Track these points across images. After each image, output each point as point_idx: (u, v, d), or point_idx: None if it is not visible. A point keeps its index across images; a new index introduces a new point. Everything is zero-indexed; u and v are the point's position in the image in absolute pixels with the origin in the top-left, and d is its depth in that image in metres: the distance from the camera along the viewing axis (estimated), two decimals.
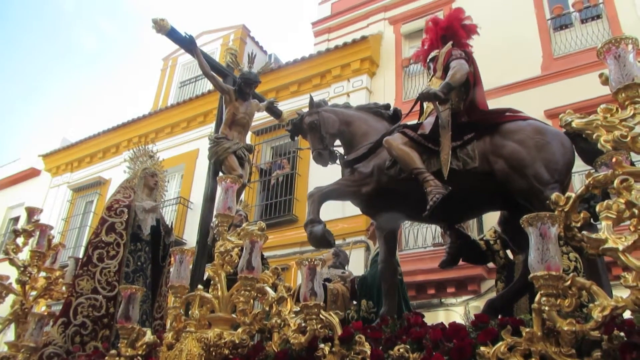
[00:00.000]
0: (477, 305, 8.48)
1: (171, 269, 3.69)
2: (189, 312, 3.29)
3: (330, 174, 4.53)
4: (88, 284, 4.81)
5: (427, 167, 3.56)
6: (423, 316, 2.87)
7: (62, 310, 4.81)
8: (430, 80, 4.10)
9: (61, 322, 4.69)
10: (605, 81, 2.34)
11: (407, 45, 12.36)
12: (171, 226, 5.78)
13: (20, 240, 5.00)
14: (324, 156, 4.18)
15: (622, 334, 2.03)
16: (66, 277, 5.38)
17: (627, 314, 2.10)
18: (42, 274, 5.05)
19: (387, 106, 4.37)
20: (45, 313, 4.59)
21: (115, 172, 14.15)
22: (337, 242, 5.36)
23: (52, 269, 5.15)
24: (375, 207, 3.99)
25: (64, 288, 5.17)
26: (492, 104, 4.21)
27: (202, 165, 11.42)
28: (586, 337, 2.05)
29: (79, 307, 4.72)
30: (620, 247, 2.05)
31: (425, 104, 4.07)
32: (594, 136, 2.23)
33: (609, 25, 9.86)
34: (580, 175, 6.50)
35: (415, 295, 8.97)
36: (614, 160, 2.22)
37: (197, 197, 11.91)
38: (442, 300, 9.36)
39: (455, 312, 9.02)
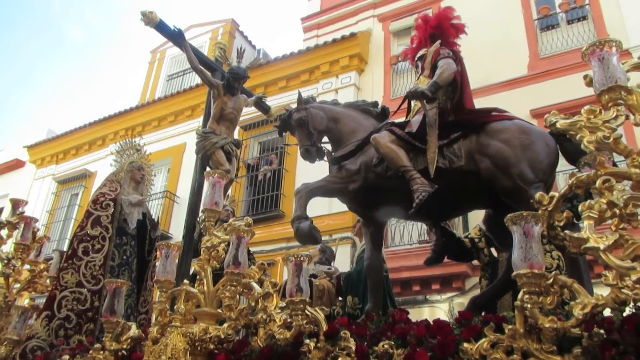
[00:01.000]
0: (462, 302, 8.55)
1: (157, 263, 3.68)
2: (175, 307, 3.29)
3: (318, 170, 4.55)
4: (73, 277, 4.78)
5: (414, 165, 3.59)
6: (408, 313, 2.89)
7: (46, 304, 4.78)
8: (418, 78, 4.13)
9: (45, 315, 4.66)
10: (589, 83, 2.37)
11: (395, 42, 12.39)
12: (157, 220, 5.76)
13: (4, 233, 4.95)
14: (311, 153, 4.19)
15: (602, 331, 2.06)
16: (50, 270, 5.34)
17: (607, 312, 2.14)
18: (26, 266, 5.01)
19: (375, 104, 4.39)
20: (29, 306, 4.56)
21: (101, 164, 14.04)
22: (323, 239, 5.37)
23: (37, 261, 5.11)
24: (362, 204, 4.02)
25: (48, 281, 5.13)
26: (480, 102, 4.25)
27: (189, 160, 11.37)
28: (567, 334, 2.09)
29: (63, 301, 4.69)
30: (601, 247, 2.08)
31: (413, 102, 4.10)
32: (578, 137, 2.27)
33: (595, 26, 9.97)
34: (565, 174, 6.57)
35: (400, 292, 9.02)
36: (596, 160, 2.26)
37: (183, 191, 11.87)
38: (427, 297, 9.41)
39: (440, 308, 9.09)
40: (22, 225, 4.94)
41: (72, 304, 4.69)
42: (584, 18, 10.33)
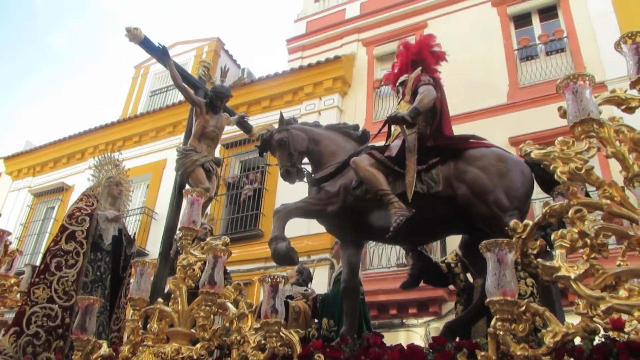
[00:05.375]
0: (438, 326, 8.54)
1: (131, 280, 3.63)
2: (148, 326, 3.24)
3: (298, 191, 4.55)
4: (44, 292, 4.67)
5: (392, 189, 3.62)
6: (382, 336, 2.89)
7: (15, 319, 4.65)
8: (398, 103, 4.19)
9: (13, 331, 4.52)
10: (563, 115, 2.44)
11: (379, 67, 12.55)
12: (134, 236, 5.67)
13: None
14: (291, 173, 4.20)
15: (572, 359, 2.09)
16: (21, 285, 5.22)
17: (577, 340, 2.17)
18: None
19: (356, 127, 4.43)
20: None
21: (79, 178, 13.87)
22: (301, 260, 5.33)
23: (7, 275, 5.00)
24: (340, 226, 4.03)
25: (18, 296, 5.02)
26: (459, 129, 4.31)
27: (169, 176, 11.31)
28: None
29: (33, 317, 4.56)
30: (572, 276, 2.12)
31: (392, 127, 4.15)
32: (551, 167, 2.32)
33: (572, 58, 10.24)
34: (541, 202, 6.66)
35: (377, 315, 9.00)
36: (569, 191, 2.31)
37: (162, 208, 11.75)
38: (404, 320, 9.40)
39: (416, 333, 9.08)
40: None
41: (42, 320, 4.56)
42: (562, 50, 10.61)
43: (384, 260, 9.76)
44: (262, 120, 10.56)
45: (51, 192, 15.26)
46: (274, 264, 8.02)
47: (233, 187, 12.24)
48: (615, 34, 9.24)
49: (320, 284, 7.86)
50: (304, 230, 9.31)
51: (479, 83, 10.44)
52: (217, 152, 5.96)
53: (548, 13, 11.30)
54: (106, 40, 49.33)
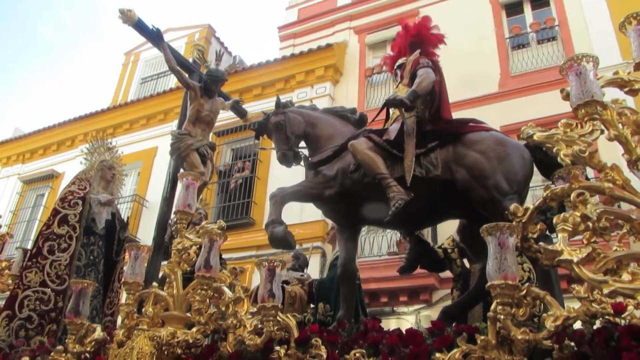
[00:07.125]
0: (428, 314, 8.58)
1: (124, 265, 3.59)
2: (142, 310, 3.21)
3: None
4: (36, 276, 4.63)
5: (390, 173, 3.58)
6: (380, 321, 2.88)
7: (7, 303, 4.62)
8: (397, 86, 4.15)
9: (5, 315, 4.50)
10: (566, 97, 2.41)
11: (371, 55, 12.50)
12: (126, 221, 5.64)
13: None
14: (288, 157, 4.15)
15: (572, 343, 2.08)
16: (13, 269, 5.17)
17: (578, 324, 2.17)
18: None
19: (354, 110, 4.38)
20: None
21: (69, 165, 13.74)
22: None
23: None
24: (338, 210, 4.00)
25: (9, 280, 4.97)
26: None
27: (160, 164, 11.24)
28: (538, 346, 2.10)
29: (25, 300, 4.53)
30: (575, 259, 2.11)
31: (391, 110, 4.11)
32: (554, 150, 2.29)
33: (564, 47, 10.24)
34: (532, 190, 6.67)
35: (368, 303, 8.95)
36: (571, 174, 2.29)
37: (153, 195, 11.70)
38: (395, 308, 9.43)
39: (407, 320, 9.11)
40: None
41: (34, 304, 4.54)
42: (554, 39, 10.61)
43: (375, 249, 9.76)
44: (254, 108, 10.40)
45: (41, 179, 15.11)
46: (266, 251, 8.01)
47: (225, 175, 12.19)
48: (606, 23, 9.33)
49: (313, 272, 7.86)
50: (296, 219, 9.29)
51: (470, 71, 10.38)
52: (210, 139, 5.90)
53: (540, 1, 11.29)
54: (96, 28, 48.67)
